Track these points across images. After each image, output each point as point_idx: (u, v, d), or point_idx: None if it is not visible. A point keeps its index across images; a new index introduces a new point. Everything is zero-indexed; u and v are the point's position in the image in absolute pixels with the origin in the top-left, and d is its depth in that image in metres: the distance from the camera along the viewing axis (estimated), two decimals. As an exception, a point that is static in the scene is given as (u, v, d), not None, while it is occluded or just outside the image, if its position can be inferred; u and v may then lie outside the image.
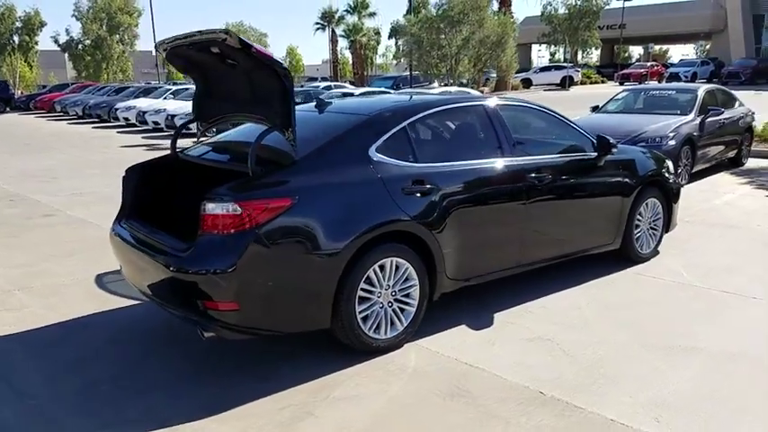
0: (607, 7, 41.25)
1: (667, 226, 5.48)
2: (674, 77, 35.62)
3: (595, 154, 4.72)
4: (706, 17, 43.48)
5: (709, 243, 5.88)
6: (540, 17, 40.98)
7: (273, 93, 3.33)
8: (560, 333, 3.88)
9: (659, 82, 35.71)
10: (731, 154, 10.05)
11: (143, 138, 17.98)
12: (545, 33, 41.94)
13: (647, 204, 5.20)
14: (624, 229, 5.01)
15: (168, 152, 4.26)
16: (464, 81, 19.31)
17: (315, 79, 52.28)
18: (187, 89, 23.04)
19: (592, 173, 4.70)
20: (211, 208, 3.10)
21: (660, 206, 5.35)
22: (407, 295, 3.67)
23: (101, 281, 5.08)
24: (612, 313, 4.21)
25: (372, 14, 52.70)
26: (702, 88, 9.69)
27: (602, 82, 41.93)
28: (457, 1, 17.14)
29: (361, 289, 3.44)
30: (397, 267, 3.59)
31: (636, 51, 71.60)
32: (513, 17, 20.58)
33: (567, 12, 40.54)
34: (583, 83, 39.23)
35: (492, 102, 4.35)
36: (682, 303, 4.38)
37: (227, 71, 3.68)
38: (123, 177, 4.07)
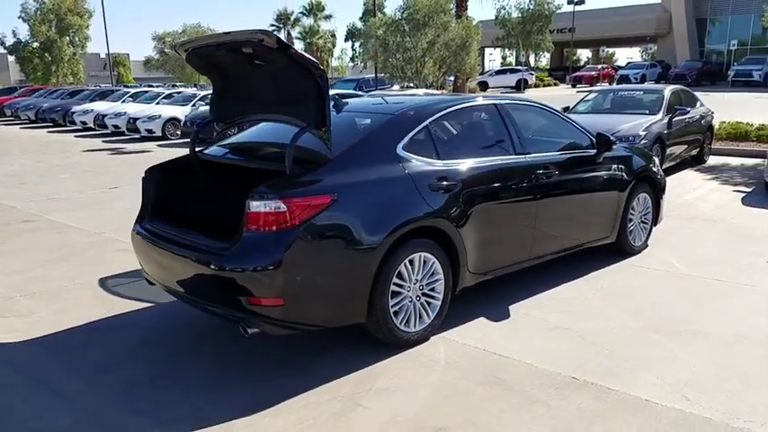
0: (558, 11, 42.38)
1: (656, 220, 5.76)
2: (624, 79, 36.91)
3: (595, 151, 4.93)
4: (651, 21, 45.19)
5: (692, 236, 6.20)
6: (494, 21, 41.77)
7: (307, 93, 3.38)
8: (575, 322, 4.06)
9: (609, 84, 36.95)
10: (694, 152, 10.55)
11: (104, 141, 17.57)
12: (499, 37, 42.76)
13: (638, 199, 5.45)
14: (620, 222, 5.25)
15: (184, 153, 4.24)
16: (427, 84, 19.59)
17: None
18: (147, 92, 22.54)
19: (593, 169, 4.91)
20: (256, 206, 3.14)
21: (650, 200, 5.62)
22: (433, 289, 3.77)
23: (105, 284, 5.00)
24: (618, 302, 4.41)
25: (328, 17, 52.80)
26: (668, 89, 10.15)
27: (555, 84, 43.06)
28: (422, 4, 17.41)
29: (394, 283, 3.53)
30: (424, 262, 3.69)
31: (584, 54, 73.76)
32: (472, 21, 20.98)
33: (520, 16, 41.47)
34: (536, 85, 40.17)
35: (502, 100, 4.51)
36: (680, 292, 4.62)
37: (253, 72, 3.71)
38: (143, 178, 4.04)
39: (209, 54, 3.79)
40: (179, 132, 17.89)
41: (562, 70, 50.10)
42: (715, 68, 37.81)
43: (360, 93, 13.74)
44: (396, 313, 3.58)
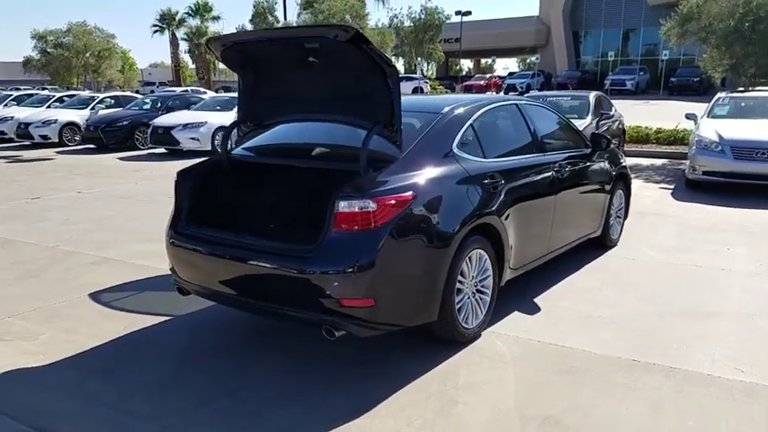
0: (447, 21, 44.04)
1: (626, 214, 6.24)
2: (512, 88, 39.06)
3: (590, 150, 5.27)
4: (531, 33, 48.23)
5: (651, 229, 6.76)
6: (387, 29, 42.61)
7: (376, 91, 3.35)
8: (601, 310, 4.31)
9: (497, 92, 38.98)
10: (614, 153, 11.46)
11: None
12: (394, 45, 43.70)
13: (617, 195, 5.88)
14: (604, 217, 5.64)
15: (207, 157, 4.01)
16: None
17: (152, 84, 49.28)
18: (74, 95, 20.46)
19: (589, 167, 5.24)
20: (344, 206, 3.07)
21: (623, 197, 6.08)
22: (484, 286, 3.86)
23: (102, 300, 4.60)
24: (626, 291, 4.74)
25: (216, 18, 51.01)
26: (592, 94, 10.97)
27: (447, 93, 44.70)
28: (338, 8, 17.38)
29: (457, 281, 3.58)
30: (479, 258, 3.77)
31: (466, 64, 77.13)
32: (386, 27, 21.25)
33: (412, 24, 42.63)
34: (430, 94, 41.49)
35: (522, 100, 4.70)
36: (671, 278, 5.04)
37: (303, 69, 3.60)
38: (176, 182, 3.80)
39: (254, 49, 3.63)
40: (78, 138, 16.62)
41: (449, 79, 52.06)
42: (592, 78, 41.08)
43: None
44: (459, 310, 3.62)
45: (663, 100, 31.46)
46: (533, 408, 3.03)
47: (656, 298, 4.57)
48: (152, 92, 29.88)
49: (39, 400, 3.13)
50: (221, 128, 14.11)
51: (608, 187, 5.60)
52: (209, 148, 13.84)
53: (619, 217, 6.07)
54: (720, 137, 8.77)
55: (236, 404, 3.07)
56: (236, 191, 3.93)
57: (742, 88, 12.61)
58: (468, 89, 41.87)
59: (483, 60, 71.31)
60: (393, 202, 3.14)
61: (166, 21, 50.93)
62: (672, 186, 9.41)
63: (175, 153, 13.94)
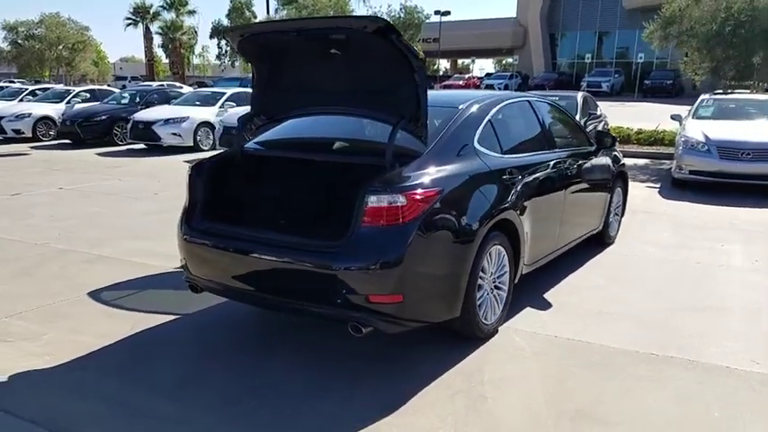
0: (426, 21, 44.17)
1: (623, 212, 6.30)
2: (490, 89, 39.38)
3: (594, 147, 5.31)
4: (508, 34, 48.59)
5: (645, 226, 6.84)
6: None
7: (402, 85, 3.30)
8: (610, 306, 4.33)
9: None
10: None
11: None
12: (372, 43, 43.64)
13: (616, 192, 5.93)
14: (605, 214, 5.68)
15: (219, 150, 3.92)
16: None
17: (123, 78, 48.33)
18: (48, 89, 19.85)
19: (593, 163, 5.27)
20: (374, 201, 3.02)
21: (621, 194, 6.14)
22: (501, 281, 3.84)
23: (102, 299, 4.46)
24: (631, 287, 4.78)
25: (192, 12, 50.26)
26: (579, 95, 11.08)
27: (427, 91, 44.83)
28: (323, 4, 17.22)
29: (479, 277, 3.55)
30: (498, 254, 3.75)
31: (443, 65, 77.51)
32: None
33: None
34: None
35: (533, 97, 4.70)
36: (673, 275, 5.10)
37: (325, 62, 3.53)
38: (189, 176, 3.70)
39: (273, 40, 3.55)
40: (53, 132, 16.20)
41: (427, 79, 52.15)
42: (568, 80, 41.58)
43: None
44: (479, 306, 3.60)
45: (637, 102, 31.95)
46: (563, 402, 3.02)
47: (661, 293, 4.61)
48: (123, 87, 29.23)
49: (56, 403, 3.02)
50: (204, 123, 13.92)
51: (609, 185, 5.64)
52: (191, 143, 13.63)
53: (617, 214, 6.13)
54: (707, 137, 8.93)
55: (261, 402, 3.00)
56: (251, 185, 3.85)
57: (720, 90, 12.89)
58: (447, 89, 42.03)
59: (460, 61, 71.70)
60: (422, 197, 3.10)
61: (140, 14, 49.95)
62: (658, 185, 9.55)
63: (156, 149, 13.69)
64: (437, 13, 44.43)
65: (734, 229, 6.74)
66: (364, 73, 3.52)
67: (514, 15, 48.86)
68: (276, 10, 26.63)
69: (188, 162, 3.95)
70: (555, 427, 2.79)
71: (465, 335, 3.61)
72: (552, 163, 4.47)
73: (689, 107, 11.04)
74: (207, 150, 13.77)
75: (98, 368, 3.38)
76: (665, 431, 2.78)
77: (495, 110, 4.05)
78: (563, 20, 45.46)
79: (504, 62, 70.50)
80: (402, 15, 42.30)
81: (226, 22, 49.26)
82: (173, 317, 4.09)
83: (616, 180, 5.86)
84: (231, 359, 3.50)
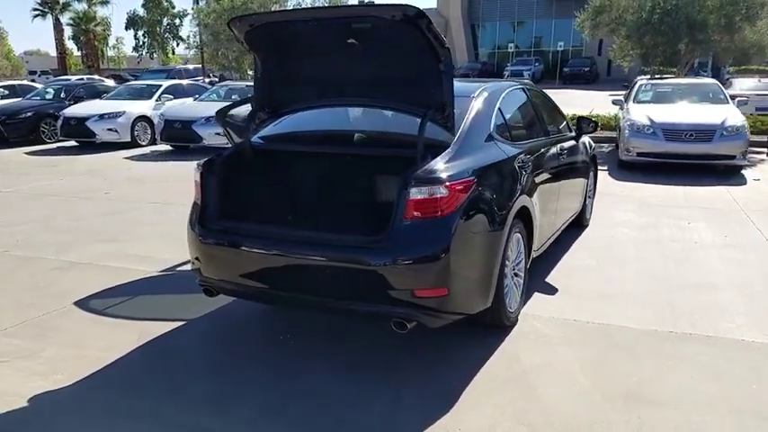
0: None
1: (593, 194, 6.51)
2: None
3: (575, 132, 5.45)
4: (430, 25, 49.01)
5: (610, 207, 7.07)
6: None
7: (428, 75, 3.23)
8: (611, 286, 4.46)
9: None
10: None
11: None
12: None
13: (590, 175, 6.12)
14: (584, 197, 5.85)
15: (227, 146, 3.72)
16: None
17: (33, 73, 45.22)
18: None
19: (577, 148, 5.41)
20: (416, 192, 2.93)
21: (593, 178, 6.34)
22: (519, 268, 3.87)
23: (92, 308, 4.17)
24: (624, 267, 4.93)
25: (105, 2, 47.55)
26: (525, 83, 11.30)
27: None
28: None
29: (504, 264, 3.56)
30: (517, 242, 3.77)
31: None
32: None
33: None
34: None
35: (527, 84, 4.74)
36: (657, 253, 5.30)
37: (341, 53, 3.40)
38: (201, 174, 3.48)
39: (286, 30, 3.38)
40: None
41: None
42: (491, 69, 42.55)
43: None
44: (505, 294, 3.61)
45: (558, 89, 33.04)
46: (609, 385, 3.07)
47: (653, 272, 4.80)
48: (33, 81, 27.23)
49: (88, 428, 2.77)
50: (141, 117, 13.24)
51: (588, 168, 5.81)
52: (129, 139, 12.94)
53: (590, 197, 6.32)
54: (652, 120, 9.36)
55: (306, 408, 2.88)
56: (269, 182, 3.67)
57: (647, 76, 13.54)
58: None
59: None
60: (462, 187, 3.05)
61: (49, 4, 46.76)
62: (605, 168, 9.91)
63: (89, 146, 12.90)
64: (361, 3, 44.17)
65: (691, 206, 7.11)
66: (385, 63, 3.41)
67: (435, 6, 49.37)
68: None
69: (127, 159, 3.72)
70: (613, 411, 2.84)
71: (494, 324, 3.61)
72: (549, 148, 4.54)
73: (608, 92, 11.55)
74: (145, 146, 13.14)
75: (120, 385, 3.13)
76: (715, 408, 2.87)
77: (501, 97, 4.05)
78: (483, 10, 46.39)
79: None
80: (327, 4, 41.71)
81: (142, 12, 47.03)
82: (178, 323, 3.86)
83: (591, 164, 6.04)
84: (260, 365, 3.34)
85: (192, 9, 23.27)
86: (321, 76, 3.61)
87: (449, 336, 3.58)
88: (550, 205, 4.57)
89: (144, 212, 7.04)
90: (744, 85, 15.73)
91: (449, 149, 3.26)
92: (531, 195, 3.89)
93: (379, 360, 3.37)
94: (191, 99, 14.32)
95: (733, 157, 9.02)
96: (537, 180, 4.10)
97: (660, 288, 4.45)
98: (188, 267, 4.97)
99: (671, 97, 10.59)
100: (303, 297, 3.22)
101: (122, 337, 3.66)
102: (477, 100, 3.82)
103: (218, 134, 12.02)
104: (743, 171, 9.29)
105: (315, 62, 3.58)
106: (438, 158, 3.14)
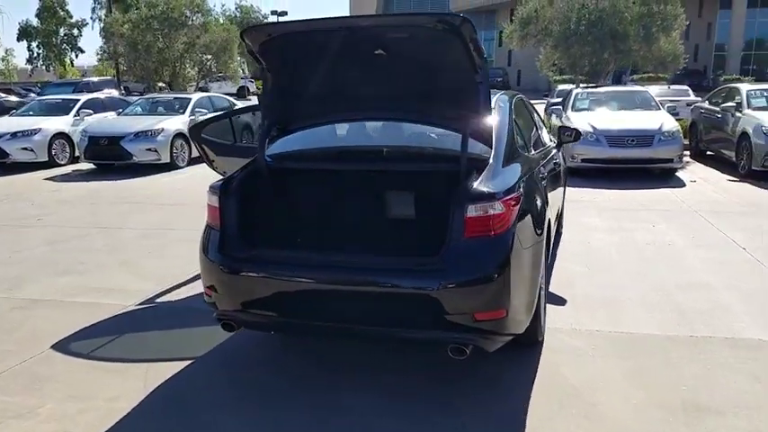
0: (264, 22, 43.15)
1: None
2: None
3: (556, 141, 5.52)
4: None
5: (573, 213, 7.23)
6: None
7: (462, 85, 3.11)
8: (612, 293, 4.50)
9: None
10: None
11: None
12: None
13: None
14: (563, 203, 5.94)
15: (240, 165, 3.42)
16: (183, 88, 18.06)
17: None
18: None
19: (560, 157, 5.47)
20: (473, 209, 2.79)
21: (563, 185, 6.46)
22: (543, 280, 3.80)
23: (71, 350, 3.74)
24: (612, 272, 5.01)
25: (-9, 13, 44.21)
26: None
27: (270, 91, 43.99)
28: (179, 2, 15.83)
29: (539, 278, 3.48)
30: (543, 254, 3.70)
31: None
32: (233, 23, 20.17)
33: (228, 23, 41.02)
34: (255, 93, 40.38)
35: (519, 93, 4.73)
36: (637, 257, 5.44)
37: (362, 64, 3.21)
38: (219, 199, 3.13)
39: (306, 40, 3.15)
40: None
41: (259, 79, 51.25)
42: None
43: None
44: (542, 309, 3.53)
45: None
46: (661, 396, 3.05)
47: (644, 275, 4.90)
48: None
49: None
50: (59, 135, 12.26)
51: (564, 176, 5.91)
52: (46, 158, 11.94)
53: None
54: (594, 128, 9.72)
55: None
56: (290, 203, 3.39)
57: (572, 85, 14.14)
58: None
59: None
60: (514, 202, 2.94)
61: None
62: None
63: (-5, 167, 11.76)
64: (273, 13, 43.73)
65: (647, 209, 7.41)
66: (416, 74, 3.24)
67: (348, 9, 49.62)
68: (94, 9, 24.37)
69: (49, 180, 3.37)
70: (680, 423, 2.81)
71: (530, 341, 3.51)
72: (547, 157, 4.55)
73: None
74: (64, 165, 12.18)
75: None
76: None
77: (512, 106, 3.99)
78: (397, 7, 47.02)
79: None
80: (238, 14, 40.83)
81: (35, 22, 43.99)
82: (184, 362, 3.49)
83: (566, 172, 6.15)
84: (298, 402, 3.06)
85: (93, 17, 21.99)
86: (342, 89, 3.39)
87: (481, 359, 3.45)
88: (552, 214, 4.56)
89: (93, 239, 6.45)
90: (653, 91, 16.83)
91: (491, 163, 3.14)
92: (548, 204, 3.85)
93: (425, 388, 3.18)
94: (112, 113, 13.47)
95: (671, 161, 9.53)
96: (547, 190, 4.07)
97: (658, 291, 4.53)
98: (168, 299, 4.61)
99: (606, 105, 11.08)
100: (347, 327, 2.98)
101: (126, 383, 3.26)
102: (495, 110, 3.73)
103: (150, 150, 11.42)
104: (677, 173, 9.84)
105: (336, 74, 3.35)
106: (485, 173, 3.02)
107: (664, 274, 4.94)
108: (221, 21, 40.60)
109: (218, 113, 4.92)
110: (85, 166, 11.98)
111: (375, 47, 3.08)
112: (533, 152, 4.12)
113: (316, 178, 3.52)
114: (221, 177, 3.50)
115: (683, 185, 9.04)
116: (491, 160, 3.17)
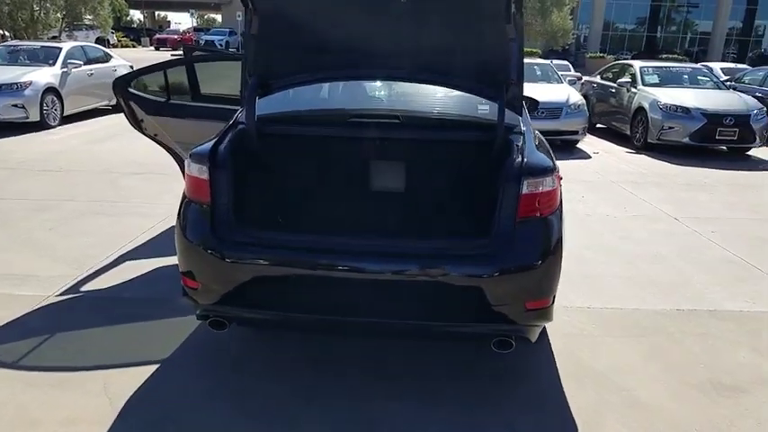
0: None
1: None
2: (211, 44, 37.06)
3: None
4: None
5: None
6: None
7: (494, 44, 2.73)
8: (592, 269, 4.38)
9: (193, 47, 36.52)
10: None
11: None
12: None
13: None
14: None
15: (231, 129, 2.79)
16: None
17: None
18: None
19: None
20: (530, 186, 2.44)
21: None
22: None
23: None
24: (599, 252, 4.84)
25: None
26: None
27: (134, 46, 40.33)
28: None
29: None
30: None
31: (136, 16, 70.36)
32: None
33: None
34: (115, 45, 36.72)
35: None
36: (587, 229, 5.43)
37: (378, 13, 2.72)
38: (208, 167, 2.51)
39: None
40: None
41: (128, 30, 46.93)
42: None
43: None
44: (554, 290, 3.31)
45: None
46: (687, 374, 3.01)
47: (611, 248, 4.88)
48: None
49: None
50: (50, 90, 10.12)
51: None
52: (38, 118, 9.78)
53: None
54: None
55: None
56: (291, 176, 2.82)
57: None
58: (161, 43, 38.45)
59: (157, 13, 65.99)
60: (561, 178, 2.65)
61: None
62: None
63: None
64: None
65: (566, 179, 7.44)
66: (439, 27, 2.79)
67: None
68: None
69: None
70: (716, 405, 2.75)
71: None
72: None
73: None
74: (55, 126, 10.06)
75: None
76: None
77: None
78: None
79: (205, 17, 67.01)
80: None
81: None
82: (149, 366, 2.87)
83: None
84: (319, 403, 2.60)
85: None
86: (349, 40, 2.86)
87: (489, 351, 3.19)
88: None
89: (-30, 212, 5.31)
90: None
91: (527, 135, 2.81)
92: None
93: (456, 387, 2.85)
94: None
95: (576, 133, 9.83)
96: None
97: (634, 264, 4.53)
98: (94, 286, 3.84)
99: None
100: (377, 322, 2.53)
101: (82, 399, 2.59)
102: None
103: (16, 106, 9.74)
104: (578, 145, 10.19)
105: (342, 21, 2.81)
106: (527, 143, 2.69)
107: (629, 247, 4.94)
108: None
109: (151, 65, 4.11)
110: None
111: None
112: None
113: (313, 146, 2.97)
114: (189, 142, 2.86)
115: (589, 157, 9.36)
116: (525, 129, 2.85)
